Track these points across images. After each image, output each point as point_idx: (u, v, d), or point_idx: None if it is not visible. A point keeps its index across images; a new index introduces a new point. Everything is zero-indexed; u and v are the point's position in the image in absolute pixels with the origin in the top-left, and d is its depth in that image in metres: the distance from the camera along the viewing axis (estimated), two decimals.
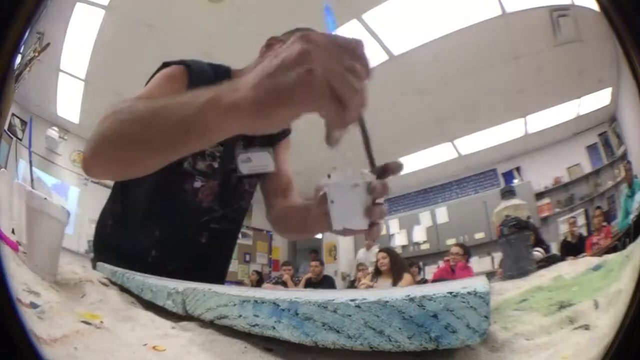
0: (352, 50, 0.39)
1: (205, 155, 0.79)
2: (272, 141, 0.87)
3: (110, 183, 0.86)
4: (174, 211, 0.80)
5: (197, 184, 0.79)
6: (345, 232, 0.53)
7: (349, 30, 1.42)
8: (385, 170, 0.54)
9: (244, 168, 0.82)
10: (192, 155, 0.76)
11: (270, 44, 0.85)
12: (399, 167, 0.55)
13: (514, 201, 1.34)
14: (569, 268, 0.62)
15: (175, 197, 0.78)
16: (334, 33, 0.43)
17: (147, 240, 0.74)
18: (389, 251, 1.95)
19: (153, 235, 0.78)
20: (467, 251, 1.76)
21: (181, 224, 0.80)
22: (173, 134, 0.44)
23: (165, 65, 0.78)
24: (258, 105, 0.38)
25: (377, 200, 0.52)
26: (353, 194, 0.51)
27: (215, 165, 0.80)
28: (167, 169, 0.49)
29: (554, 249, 1.33)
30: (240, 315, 0.35)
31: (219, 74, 0.83)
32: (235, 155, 0.81)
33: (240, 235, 0.95)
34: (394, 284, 1.82)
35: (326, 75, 0.36)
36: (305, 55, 0.36)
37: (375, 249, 2.22)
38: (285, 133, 0.90)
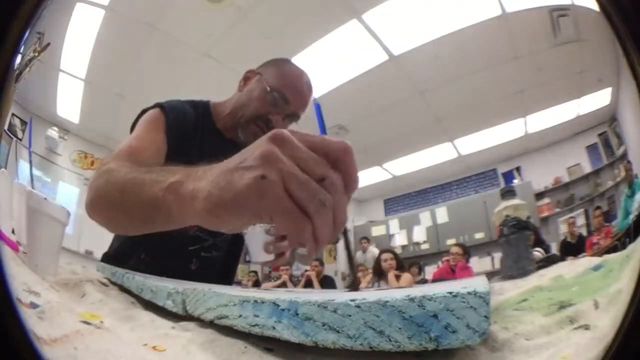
0: (333, 154, 0.33)
1: None
2: None
3: None
4: (161, 238, 0.83)
5: None
6: (260, 263, 0.62)
7: (348, 30, 1.42)
8: None
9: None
10: None
11: (247, 77, 0.89)
12: None
13: (514, 201, 1.34)
14: (569, 268, 0.62)
15: None
16: (320, 134, 0.38)
17: (138, 265, 0.76)
18: (394, 252, 1.96)
19: (141, 261, 0.81)
20: (467, 251, 1.76)
21: (168, 251, 0.83)
22: (145, 209, 0.45)
23: (144, 111, 0.82)
24: (209, 205, 0.35)
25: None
26: (254, 236, 0.62)
27: None
28: None
29: (554, 249, 1.33)
30: (240, 315, 0.35)
31: (199, 110, 0.88)
32: None
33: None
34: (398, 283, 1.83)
35: (283, 183, 0.31)
36: (267, 156, 0.31)
37: (373, 250, 2.22)
38: None
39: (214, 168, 0.37)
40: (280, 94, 0.80)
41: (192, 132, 0.82)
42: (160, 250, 0.82)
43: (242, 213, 0.33)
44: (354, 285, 0.64)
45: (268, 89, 0.81)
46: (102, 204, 0.57)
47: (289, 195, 0.31)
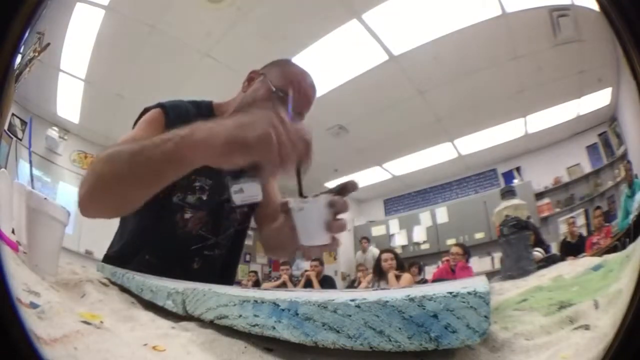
0: (302, 134, 0.53)
1: (195, 189, 0.84)
2: None
3: None
4: (164, 239, 0.84)
5: (187, 215, 0.84)
6: (310, 247, 0.61)
7: (348, 30, 1.42)
8: (343, 189, 0.63)
9: (237, 199, 0.87)
10: (182, 190, 0.82)
11: (251, 77, 0.89)
12: (354, 186, 0.64)
13: (514, 201, 1.34)
14: (569, 268, 0.62)
15: (166, 227, 0.83)
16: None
17: (140, 267, 0.76)
18: (394, 252, 1.95)
19: (144, 261, 0.81)
20: (467, 251, 1.76)
21: (171, 251, 0.84)
22: (157, 165, 0.54)
23: (146, 110, 0.84)
24: (225, 148, 0.50)
25: (338, 216, 0.61)
26: (313, 213, 0.58)
27: (204, 197, 0.85)
28: (158, 204, 0.60)
29: (554, 249, 1.33)
30: (240, 315, 0.35)
31: (202, 109, 0.89)
32: (229, 187, 0.86)
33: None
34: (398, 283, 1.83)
35: (279, 143, 0.49)
36: (273, 124, 0.50)
37: (373, 250, 2.22)
38: None
39: (223, 121, 0.53)
40: (285, 94, 0.81)
41: None
42: (165, 250, 0.82)
43: (248, 154, 0.50)
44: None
45: (273, 89, 0.81)
46: (106, 182, 0.60)
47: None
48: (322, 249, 0.61)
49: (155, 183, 0.57)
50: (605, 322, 0.33)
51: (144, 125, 0.81)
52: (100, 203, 0.63)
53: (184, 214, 0.83)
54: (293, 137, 0.51)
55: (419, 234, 2.13)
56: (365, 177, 2.08)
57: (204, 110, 0.88)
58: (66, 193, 1.34)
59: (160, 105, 0.82)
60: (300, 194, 0.60)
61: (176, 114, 0.81)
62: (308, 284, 2.11)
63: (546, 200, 1.52)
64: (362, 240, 2.35)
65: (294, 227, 0.60)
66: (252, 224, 0.97)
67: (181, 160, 0.53)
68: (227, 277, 0.94)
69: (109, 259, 0.85)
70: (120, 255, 0.83)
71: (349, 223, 2.46)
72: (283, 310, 0.31)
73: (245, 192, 0.87)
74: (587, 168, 1.32)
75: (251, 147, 0.49)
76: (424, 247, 2.11)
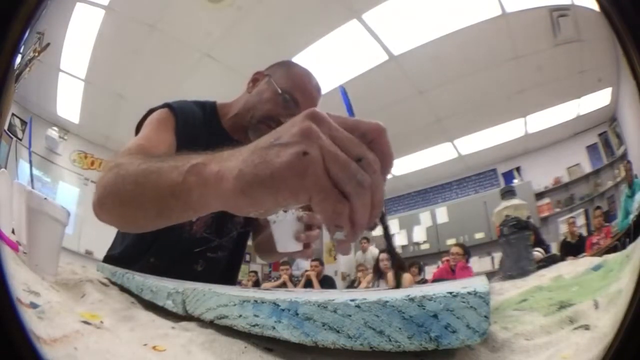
0: (368, 135, 0.32)
1: None
2: None
3: None
4: (170, 242, 0.83)
5: (193, 217, 0.82)
6: (286, 254, 0.66)
7: (348, 30, 1.42)
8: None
9: None
10: None
11: (256, 78, 0.89)
12: None
13: (514, 201, 1.34)
14: (569, 268, 0.62)
15: (172, 230, 0.82)
16: (351, 117, 0.36)
17: (144, 269, 0.75)
18: (391, 252, 1.95)
19: (149, 264, 0.80)
20: (467, 251, 1.76)
21: (176, 253, 0.84)
22: (161, 198, 0.43)
23: (151, 110, 0.81)
24: (241, 183, 0.33)
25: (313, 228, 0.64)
26: (285, 225, 0.64)
27: None
28: None
29: (554, 249, 1.33)
30: (240, 315, 0.35)
31: (206, 110, 0.87)
32: None
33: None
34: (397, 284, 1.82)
35: (324, 161, 0.30)
36: (307, 133, 0.31)
37: (373, 250, 2.21)
38: None
39: (243, 148, 0.35)
40: (291, 96, 0.81)
41: (200, 133, 0.82)
42: (170, 253, 0.82)
43: (280, 192, 0.31)
44: (398, 282, 0.67)
45: (279, 91, 0.81)
46: (112, 199, 0.53)
47: (328, 175, 0.30)
48: (296, 255, 0.67)
49: (161, 218, 0.47)
50: (605, 322, 0.33)
51: (155, 124, 0.78)
52: (110, 217, 0.58)
53: None
54: (350, 140, 0.31)
55: (419, 234, 2.13)
56: None
57: (209, 112, 0.87)
58: (66, 193, 1.34)
59: (167, 106, 0.81)
60: (390, 249, 0.60)
61: (184, 116, 0.80)
62: (308, 284, 2.11)
63: (546, 200, 1.52)
64: (362, 240, 2.35)
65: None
66: None
67: (187, 197, 0.39)
68: (229, 279, 0.94)
69: (111, 260, 0.85)
70: (124, 257, 0.82)
71: None
72: (283, 310, 0.31)
73: None
74: (587, 168, 1.32)
75: (279, 178, 0.31)
76: (424, 247, 2.11)
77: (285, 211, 0.64)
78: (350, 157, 0.30)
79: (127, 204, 0.50)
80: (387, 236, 0.54)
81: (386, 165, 0.32)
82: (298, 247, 0.66)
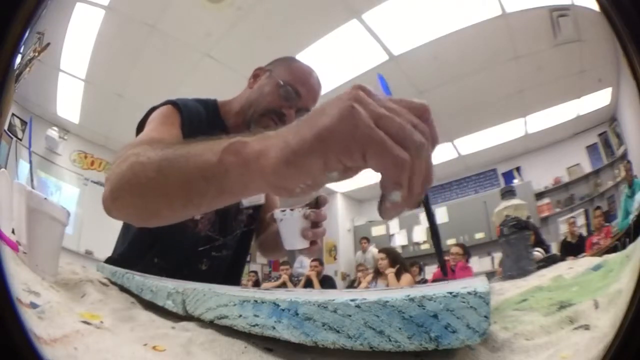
0: (416, 110, 0.31)
1: None
2: None
3: None
4: (174, 241, 0.83)
5: (197, 216, 0.83)
6: (292, 252, 0.66)
7: (348, 30, 1.42)
8: (317, 202, 0.65)
9: (245, 201, 0.88)
10: None
11: (257, 74, 0.89)
12: (325, 200, 0.67)
13: (514, 201, 1.34)
14: (569, 268, 0.62)
15: (176, 229, 0.81)
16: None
17: (148, 269, 0.75)
18: (387, 252, 1.95)
19: (153, 264, 0.80)
20: (467, 251, 1.76)
21: (180, 253, 0.83)
22: (190, 184, 0.39)
23: (153, 109, 0.79)
24: (286, 152, 0.31)
25: (319, 224, 0.66)
26: (291, 223, 0.66)
27: None
28: None
29: (554, 249, 1.33)
30: (240, 315, 0.35)
31: (209, 108, 0.87)
32: None
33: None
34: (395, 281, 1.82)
35: (373, 116, 0.28)
36: (355, 96, 0.29)
37: (373, 250, 2.22)
38: None
39: (288, 126, 0.33)
40: (293, 88, 0.81)
41: (204, 131, 0.81)
42: (174, 253, 0.82)
43: (329, 151, 0.29)
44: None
45: (281, 82, 0.81)
46: (130, 190, 0.48)
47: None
48: (302, 252, 0.68)
49: (190, 205, 0.43)
50: (605, 322, 0.33)
51: (161, 119, 0.76)
52: (125, 211, 0.53)
53: (194, 216, 0.82)
54: (397, 108, 0.30)
55: (419, 234, 2.13)
56: (365, 177, 2.08)
57: (211, 109, 0.86)
58: (66, 193, 1.35)
59: (171, 103, 0.79)
60: (441, 262, 0.60)
61: (189, 113, 0.79)
62: (308, 284, 2.11)
63: (546, 200, 1.52)
64: (362, 240, 2.36)
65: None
66: None
67: (223, 178, 0.36)
68: (233, 278, 0.94)
69: (113, 262, 0.84)
70: (126, 257, 0.81)
71: (349, 223, 2.46)
72: (283, 310, 0.31)
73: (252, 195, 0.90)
74: (587, 168, 1.32)
75: (328, 135, 0.29)
76: (424, 247, 2.11)
77: (292, 209, 0.65)
78: (403, 118, 0.29)
79: (148, 193, 0.45)
80: (430, 214, 0.52)
81: (434, 142, 0.31)
82: (304, 244, 0.66)
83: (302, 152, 0.30)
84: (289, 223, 0.66)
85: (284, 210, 0.66)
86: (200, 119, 0.82)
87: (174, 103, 0.79)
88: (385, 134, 0.28)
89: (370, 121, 0.28)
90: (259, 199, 0.91)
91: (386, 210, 0.31)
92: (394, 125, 0.28)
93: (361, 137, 0.28)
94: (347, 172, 0.31)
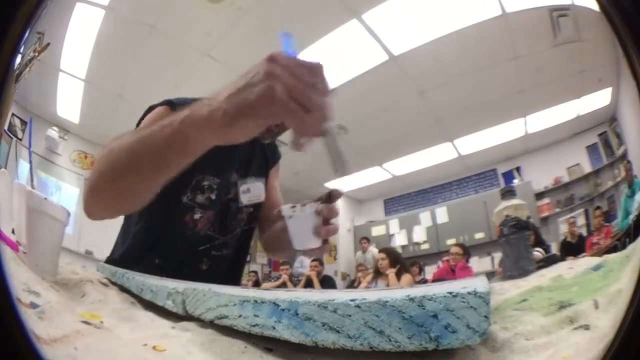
0: (313, 70, 0.43)
1: (204, 188, 0.83)
2: (266, 169, 0.92)
3: None
4: (174, 241, 0.82)
5: (197, 215, 0.83)
6: (304, 251, 0.63)
7: (348, 30, 1.42)
8: (329, 197, 0.63)
9: (244, 199, 0.87)
10: (191, 190, 0.81)
11: None
12: (339, 194, 0.65)
13: (514, 201, 1.34)
14: (569, 268, 0.62)
15: (176, 229, 0.81)
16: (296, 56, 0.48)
17: (149, 269, 0.75)
18: (388, 252, 1.95)
19: (153, 264, 0.79)
20: (467, 251, 1.76)
21: (181, 252, 0.83)
22: (158, 153, 0.49)
23: (151, 108, 0.81)
24: (228, 118, 0.43)
25: (330, 221, 0.63)
26: (303, 220, 0.61)
27: (213, 197, 0.83)
28: (167, 204, 0.53)
29: (554, 249, 1.33)
30: (240, 315, 0.35)
31: None
32: (237, 186, 0.86)
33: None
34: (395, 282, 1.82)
35: (287, 90, 0.41)
36: (269, 73, 0.42)
37: (373, 250, 2.22)
38: (276, 157, 0.95)
39: (221, 92, 0.45)
40: None
41: None
42: (174, 253, 0.81)
43: (259, 117, 0.43)
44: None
45: None
46: (106, 178, 0.56)
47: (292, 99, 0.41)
48: (314, 252, 0.64)
49: (160, 173, 0.51)
50: (605, 322, 0.33)
51: (155, 120, 0.79)
52: (103, 201, 0.59)
53: (193, 215, 0.82)
54: (301, 73, 0.42)
55: (419, 234, 2.13)
56: (366, 177, 2.08)
57: None
58: (66, 193, 1.35)
59: (167, 102, 0.80)
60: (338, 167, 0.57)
61: None
62: (309, 284, 2.11)
63: (546, 200, 1.52)
64: (362, 240, 2.36)
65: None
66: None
67: (184, 143, 0.47)
68: (233, 277, 0.93)
69: (113, 262, 0.84)
70: (126, 258, 0.81)
71: (349, 223, 2.46)
72: (283, 310, 0.31)
73: (251, 192, 0.87)
74: (587, 168, 1.32)
75: (255, 108, 0.42)
76: (424, 247, 2.11)
77: (303, 205, 0.61)
78: (306, 84, 0.42)
79: (123, 174, 0.53)
80: (331, 142, 0.54)
81: (327, 92, 0.44)
82: (317, 243, 0.61)
83: (239, 118, 0.43)
84: (300, 220, 0.61)
85: (294, 207, 0.62)
86: None
87: (170, 103, 0.80)
88: (294, 103, 0.41)
89: (284, 96, 0.41)
90: (259, 196, 0.89)
91: (295, 146, 0.45)
92: (299, 93, 0.41)
93: (278, 109, 0.41)
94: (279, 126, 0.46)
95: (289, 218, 0.62)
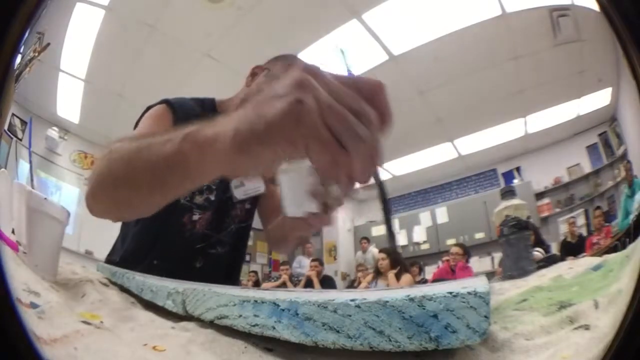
0: (367, 91, 0.30)
1: (202, 189, 0.82)
2: None
3: None
4: (172, 242, 0.82)
5: (195, 216, 0.82)
6: (296, 218, 0.49)
7: (348, 30, 1.42)
8: None
9: (238, 193, 0.85)
10: None
11: (255, 72, 0.88)
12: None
13: (514, 201, 1.34)
14: (569, 268, 0.62)
15: (174, 230, 0.81)
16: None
17: (147, 271, 0.75)
18: (388, 252, 1.95)
19: (152, 266, 0.79)
20: (467, 251, 1.76)
21: (179, 252, 0.82)
22: (156, 172, 0.42)
23: (149, 107, 0.80)
24: (237, 140, 0.32)
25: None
26: (295, 179, 0.48)
27: (212, 197, 0.83)
28: (165, 205, 0.47)
29: (554, 249, 1.33)
30: (240, 315, 0.35)
31: (206, 107, 0.86)
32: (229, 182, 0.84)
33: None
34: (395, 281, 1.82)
35: (320, 110, 0.28)
36: (302, 83, 0.29)
37: (373, 250, 2.22)
38: None
39: (234, 112, 0.34)
40: None
41: None
42: (173, 254, 0.81)
43: (277, 143, 0.30)
44: (393, 249, 0.53)
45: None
46: (105, 184, 0.51)
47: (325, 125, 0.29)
48: (312, 221, 0.49)
49: (157, 193, 0.45)
50: (605, 322, 0.33)
51: (149, 121, 0.77)
52: (102, 205, 0.57)
53: (191, 216, 0.82)
54: (346, 94, 0.29)
55: (419, 234, 2.13)
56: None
57: (208, 108, 0.86)
58: (66, 193, 1.35)
59: (165, 102, 0.80)
60: (391, 237, 0.44)
61: (183, 111, 0.79)
62: (309, 284, 2.11)
63: (546, 200, 1.52)
64: (362, 240, 2.36)
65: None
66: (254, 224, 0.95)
67: (184, 166, 0.38)
68: (232, 276, 0.93)
69: (113, 264, 0.84)
70: (126, 260, 0.81)
71: (349, 223, 2.46)
72: (283, 310, 0.31)
73: (246, 185, 0.84)
74: (587, 168, 1.32)
75: (274, 128, 0.29)
76: (424, 247, 2.11)
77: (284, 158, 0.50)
78: (349, 110, 0.29)
79: (121, 185, 0.48)
80: (383, 196, 0.43)
81: (385, 122, 0.31)
82: (311, 207, 0.48)
83: (251, 142, 0.31)
84: (292, 180, 0.49)
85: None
86: (194, 117, 0.81)
87: (168, 102, 0.79)
88: (325, 129, 0.28)
89: (315, 116, 0.28)
90: (257, 188, 0.86)
91: (332, 203, 0.34)
92: (335, 117, 0.28)
93: (304, 133, 0.29)
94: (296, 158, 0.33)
95: (282, 174, 0.51)
